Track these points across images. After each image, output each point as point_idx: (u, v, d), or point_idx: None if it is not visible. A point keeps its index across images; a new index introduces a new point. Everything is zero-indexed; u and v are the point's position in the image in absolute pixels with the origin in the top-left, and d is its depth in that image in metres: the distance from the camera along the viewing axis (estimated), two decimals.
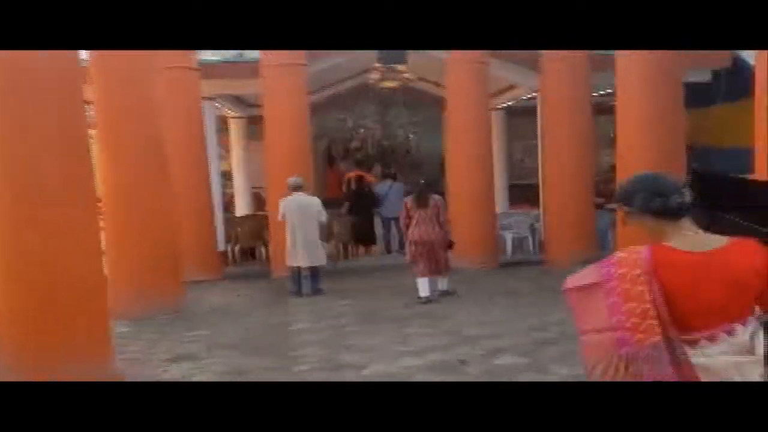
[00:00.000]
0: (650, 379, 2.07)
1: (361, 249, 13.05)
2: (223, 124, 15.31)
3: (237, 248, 12.14)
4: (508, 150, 16.03)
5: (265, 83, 10.84)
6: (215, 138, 12.27)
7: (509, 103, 14.95)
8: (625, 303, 2.09)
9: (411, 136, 18.00)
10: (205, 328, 7.78)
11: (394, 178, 13.76)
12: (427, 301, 8.57)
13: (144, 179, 8.20)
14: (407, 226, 8.71)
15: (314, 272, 9.52)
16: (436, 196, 8.89)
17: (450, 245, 8.77)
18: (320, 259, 9.51)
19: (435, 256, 8.59)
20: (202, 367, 6.20)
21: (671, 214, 2.16)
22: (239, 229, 12.20)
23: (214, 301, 9.35)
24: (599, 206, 10.94)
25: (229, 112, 15.02)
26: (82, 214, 5.49)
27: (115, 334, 6.93)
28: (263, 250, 11.89)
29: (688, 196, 2.17)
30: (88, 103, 6.86)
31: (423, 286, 8.65)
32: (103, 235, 8.23)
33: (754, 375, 2.12)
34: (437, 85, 13.71)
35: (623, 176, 5.16)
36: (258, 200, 15.77)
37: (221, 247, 11.84)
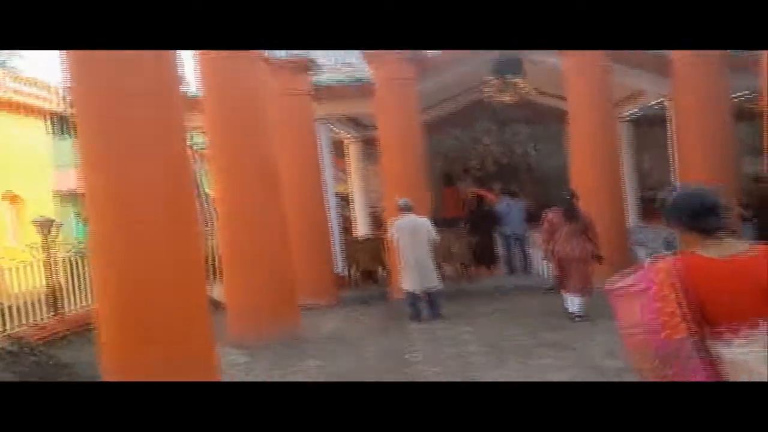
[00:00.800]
0: (679, 374, 2.32)
1: (483, 269, 12.50)
2: (340, 148, 15.35)
3: (356, 271, 11.95)
4: (635, 161, 15.09)
5: (376, 101, 10.65)
6: (330, 160, 12.18)
7: (635, 111, 14.02)
8: (654, 304, 2.39)
9: (531, 151, 17.47)
10: (321, 357, 7.59)
11: (513, 195, 13.18)
12: (579, 318, 8.18)
13: (259, 202, 8.18)
14: (548, 242, 8.39)
15: (431, 296, 9.18)
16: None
17: (599, 259, 8.32)
18: (433, 281, 9.17)
19: (583, 273, 8.16)
20: None
21: (704, 232, 2.44)
22: (358, 251, 12.02)
23: (330, 327, 9.15)
24: (744, 219, 9.94)
25: (346, 134, 14.98)
26: (183, 235, 5.35)
27: (228, 362, 6.87)
28: (382, 272, 11.63)
29: (723, 217, 2.44)
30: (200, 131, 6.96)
31: (573, 303, 8.32)
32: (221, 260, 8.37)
33: None
34: (557, 97, 13.01)
35: None
36: (376, 221, 15.68)
37: (339, 270, 11.71)
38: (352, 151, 15.52)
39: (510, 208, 12.17)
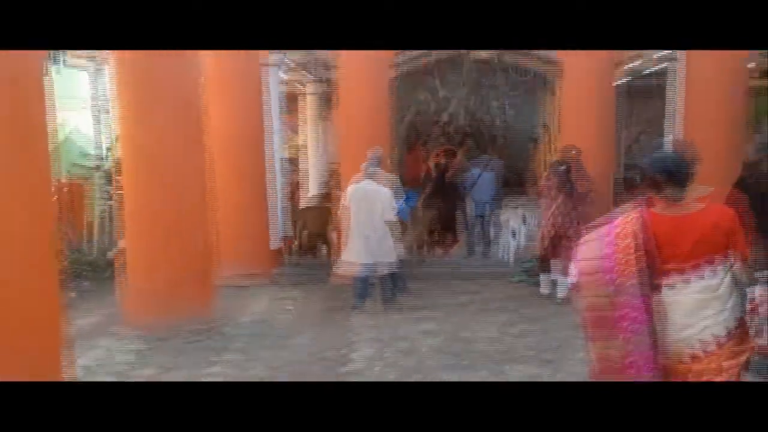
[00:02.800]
0: (624, 306, 2.95)
1: (439, 250, 10.81)
2: (293, 101, 13.73)
3: (297, 245, 10.34)
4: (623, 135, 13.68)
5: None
6: (279, 114, 10.33)
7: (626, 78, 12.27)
8: (615, 252, 2.99)
9: (506, 113, 16.04)
10: (236, 349, 6.14)
11: (485, 164, 11.46)
12: (549, 297, 7.70)
13: (173, 158, 6.59)
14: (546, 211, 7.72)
15: (387, 278, 7.65)
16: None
17: None
18: (386, 256, 7.47)
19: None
20: None
21: (668, 198, 2.99)
22: (304, 221, 10.42)
23: (257, 312, 7.63)
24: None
25: (299, 86, 13.35)
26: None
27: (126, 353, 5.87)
28: (326, 246, 10.08)
29: (685, 189, 2.97)
30: None
31: (545, 282, 7.82)
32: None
33: (725, 306, 2.92)
34: (537, 58, 11.32)
35: None
36: (329, 187, 14.21)
37: (278, 243, 10.11)
38: (306, 105, 13.91)
39: (478, 179, 10.50)
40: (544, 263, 7.92)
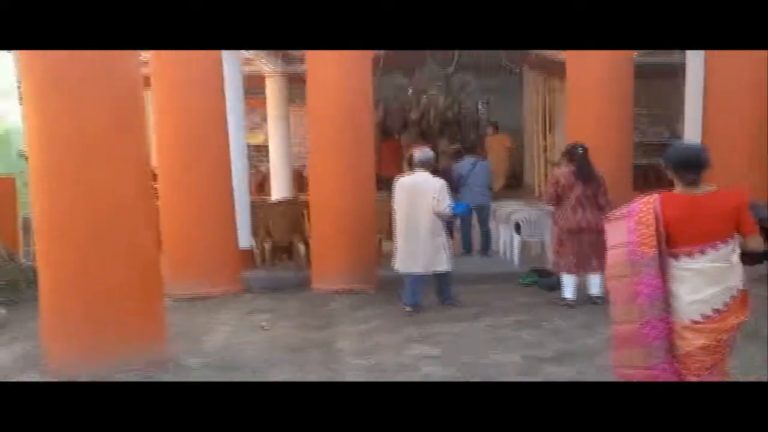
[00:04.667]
0: (643, 277, 3.28)
1: None
2: (260, 85, 12.53)
3: (266, 247, 8.98)
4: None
5: None
6: (242, 99, 8.97)
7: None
8: (637, 228, 3.31)
9: (481, 105, 15.63)
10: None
11: (473, 152, 10.43)
12: (573, 305, 6.75)
13: (105, 149, 4.92)
14: (556, 206, 6.86)
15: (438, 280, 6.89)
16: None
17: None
18: (438, 262, 6.69)
19: (596, 248, 6.22)
20: None
21: (685, 179, 3.33)
22: (271, 220, 9.05)
23: (219, 338, 6.09)
24: None
25: (266, 68, 11.98)
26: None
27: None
28: (302, 247, 8.74)
29: (704, 171, 3.30)
30: None
31: (570, 286, 6.83)
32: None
33: (731, 277, 3.27)
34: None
35: None
36: (300, 181, 12.88)
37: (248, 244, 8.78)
38: (272, 89, 12.59)
39: (475, 167, 9.33)
40: (563, 261, 6.78)
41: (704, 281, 3.24)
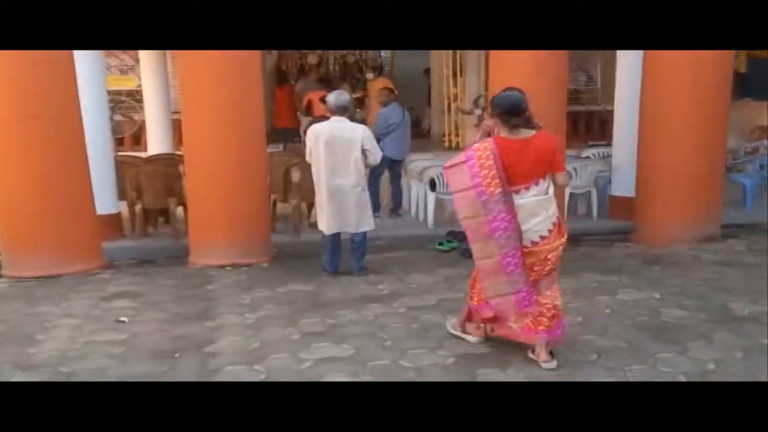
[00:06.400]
0: (496, 214, 3.68)
1: None
2: None
3: (137, 211, 7.53)
4: None
5: None
6: None
7: None
8: (480, 171, 3.68)
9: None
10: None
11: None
12: None
13: None
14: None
15: (355, 242, 6.00)
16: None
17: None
18: (363, 222, 5.92)
19: None
20: None
21: (509, 124, 3.75)
22: (142, 180, 7.57)
23: (59, 340, 4.59)
24: None
25: None
26: None
27: None
28: (180, 211, 7.35)
29: (523, 116, 3.73)
30: None
31: None
32: None
33: (550, 207, 3.78)
34: None
35: None
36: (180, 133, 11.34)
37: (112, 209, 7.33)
38: None
39: (404, 116, 8.21)
40: None
41: (530, 213, 3.71)
